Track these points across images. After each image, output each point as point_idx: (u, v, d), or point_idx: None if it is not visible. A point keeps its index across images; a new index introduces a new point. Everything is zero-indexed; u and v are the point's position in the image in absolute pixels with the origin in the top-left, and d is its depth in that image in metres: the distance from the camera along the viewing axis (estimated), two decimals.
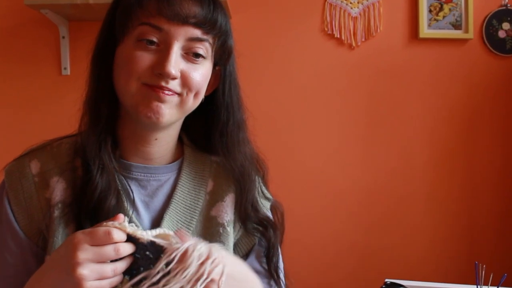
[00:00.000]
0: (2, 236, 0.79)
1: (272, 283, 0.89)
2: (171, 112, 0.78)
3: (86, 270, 0.61)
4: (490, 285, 1.09)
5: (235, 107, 0.87)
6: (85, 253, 0.61)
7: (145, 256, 0.65)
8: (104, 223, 0.64)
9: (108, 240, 0.62)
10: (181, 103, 0.79)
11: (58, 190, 0.79)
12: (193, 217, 0.85)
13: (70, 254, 0.61)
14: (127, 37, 0.77)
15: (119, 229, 0.63)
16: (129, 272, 0.65)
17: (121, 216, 0.65)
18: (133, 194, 0.82)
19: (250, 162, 0.90)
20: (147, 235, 0.65)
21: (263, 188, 0.94)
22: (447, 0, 2.03)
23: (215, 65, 0.84)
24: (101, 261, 0.62)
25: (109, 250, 0.62)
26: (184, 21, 0.75)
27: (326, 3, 2.05)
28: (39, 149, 0.83)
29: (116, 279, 0.64)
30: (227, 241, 0.86)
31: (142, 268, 0.65)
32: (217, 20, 0.78)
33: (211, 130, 0.88)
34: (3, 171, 0.81)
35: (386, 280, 1.28)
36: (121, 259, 0.64)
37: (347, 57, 2.06)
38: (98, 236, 0.62)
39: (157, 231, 0.66)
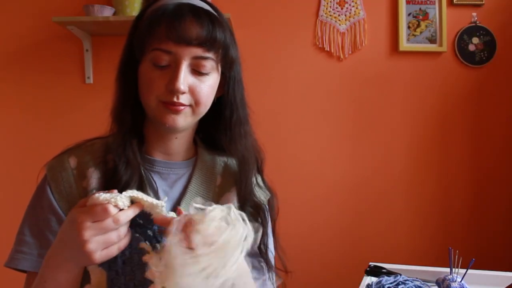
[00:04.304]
0: (45, 219, 0.81)
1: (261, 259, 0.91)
2: (185, 120, 0.82)
3: (93, 244, 0.63)
4: (460, 268, 1.10)
5: (239, 105, 0.89)
6: (89, 230, 0.63)
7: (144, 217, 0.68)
8: (97, 195, 0.64)
9: (106, 216, 0.63)
10: (193, 112, 0.83)
11: (93, 179, 0.82)
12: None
13: (76, 233, 0.63)
14: (144, 58, 0.81)
15: (112, 204, 0.64)
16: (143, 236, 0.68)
17: (114, 190, 0.67)
18: (156, 185, 0.85)
19: (250, 153, 0.92)
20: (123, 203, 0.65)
21: (259, 179, 0.96)
22: (423, 17, 2.04)
23: (222, 72, 0.86)
24: (105, 233, 0.64)
25: (109, 222, 0.63)
26: (189, 42, 0.78)
27: (318, 20, 2.06)
28: (75, 147, 0.87)
29: (124, 242, 0.66)
30: None
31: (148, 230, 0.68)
32: (217, 38, 0.80)
33: (218, 125, 0.90)
34: (45, 167, 0.84)
35: (370, 263, 1.28)
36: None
37: (336, 68, 2.07)
38: (97, 214, 0.63)
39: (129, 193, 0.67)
